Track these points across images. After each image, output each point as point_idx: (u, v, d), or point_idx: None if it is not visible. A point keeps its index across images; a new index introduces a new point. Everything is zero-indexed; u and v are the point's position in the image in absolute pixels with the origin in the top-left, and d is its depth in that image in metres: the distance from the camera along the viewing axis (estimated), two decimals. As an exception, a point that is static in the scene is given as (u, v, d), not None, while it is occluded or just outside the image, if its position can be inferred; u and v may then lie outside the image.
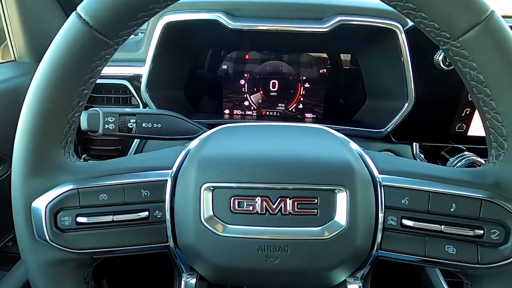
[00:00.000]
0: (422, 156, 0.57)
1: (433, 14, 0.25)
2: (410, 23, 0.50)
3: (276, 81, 0.66)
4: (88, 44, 0.26)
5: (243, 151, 0.30)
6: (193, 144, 0.34)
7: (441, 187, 0.28)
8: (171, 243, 0.30)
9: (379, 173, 0.30)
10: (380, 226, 0.28)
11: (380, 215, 0.29)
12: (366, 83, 0.64)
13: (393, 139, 0.56)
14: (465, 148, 0.56)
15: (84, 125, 0.40)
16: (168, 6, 0.27)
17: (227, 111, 0.69)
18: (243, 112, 0.69)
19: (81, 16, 0.25)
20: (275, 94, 0.67)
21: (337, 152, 0.30)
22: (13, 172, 0.28)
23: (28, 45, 0.62)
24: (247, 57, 0.65)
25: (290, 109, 0.68)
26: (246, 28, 0.51)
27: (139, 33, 0.71)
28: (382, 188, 0.29)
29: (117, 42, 0.27)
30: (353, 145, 0.34)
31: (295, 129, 0.37)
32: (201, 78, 0.68)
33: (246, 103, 0.69)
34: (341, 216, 0.28)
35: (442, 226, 0.27)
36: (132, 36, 0.75)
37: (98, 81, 0.64)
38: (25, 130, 0.27)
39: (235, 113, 0.70)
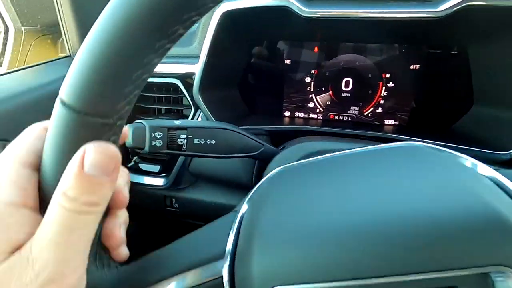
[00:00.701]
0: None
1: None
2: None
3: (350, 79, 0.54)
4: (82, 135, 0.17)
5: (325, 219, 0.20)
6: (244, 209, 0.24)
7: None
8: None
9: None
10: None
11: None
12: (475, 83, 0.48)
13: (520, 165, 0.41)
14: None
15: (128, 141, 0.34)
16: (164, 55, 0.17)
17: (287, 113, 0.60)
18: (307, 115, 0.59)
19: (64, 103, 0.17)
20: (348, 95, 0.55)
21: (476, 198, 0.19)
22: None
23: (80, 39, 0.58)
24: (316, 49, 0.54)
25: (365, 114, 0.56)
26: (327, 15, 0.39)
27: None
28: None
29: (120, 116, 0.18)
30: (485, 176, 0.21)
31: (394, 153, 0.25)
32: (259, 75, 0.59)
33: (311, 104, 0.58)
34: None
35: None
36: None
37: (150, 79, 0.59)
38: None
39: (297, 115, 0.59)
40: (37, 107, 0.48)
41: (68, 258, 0.17)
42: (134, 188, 0.62)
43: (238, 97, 0.59)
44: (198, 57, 0.50)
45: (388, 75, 0.52)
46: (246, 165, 0.52)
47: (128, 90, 0.17)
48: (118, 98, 0.17)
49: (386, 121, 0.55)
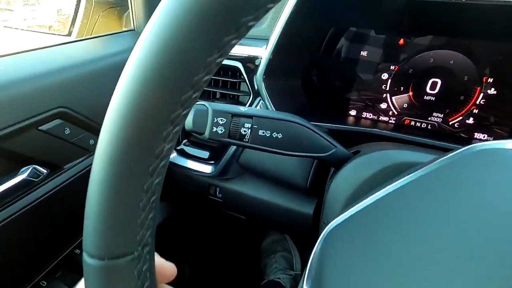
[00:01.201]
0: None
1: None
2: None
3: (438, 80, 0.46)
4: (111, 279, 0.16)
5: None
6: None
7: None
8: None
9: None
10: None
11: None
12: None
13: None
14: None
15: (189, 123, 0.30)
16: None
17: (353, 112, 0.53)
18: (376, 117, 0.52)
19: (89, 254, 0.15)
20: (432, 98, 0.47)
21: None
22: None
23: (146, 14, 0.57)
24: (401, 41, 0.46)
25: (450, 123, 0.47)
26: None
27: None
28: None
29: (144, 245, 0.16)
30: None
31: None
32: (328, 66, 0.53)
33: (384, 105, 0.50)
34: None
35: None
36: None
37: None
38: None
39: (364, 116, 0.52)
40: (101, 77, 0.47)
41: None
42: (180, 171, 0.60)
43: (299, 88, 0.54)
44: (265, 39, 0.45)
45: (490, 80, 0.43)
46: (303, 164, 0.47)
47: (142, 220, 0.15)
48: (134, 231, 0.15)
49: (477, 135, 0.46)
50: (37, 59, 0.41)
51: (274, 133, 0.31)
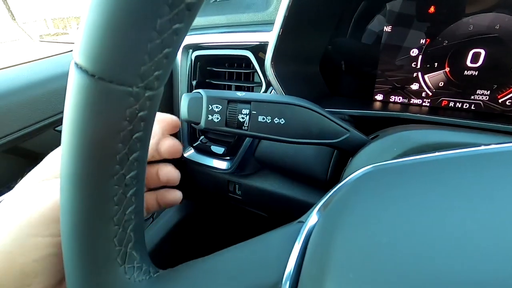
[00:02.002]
0: None
1: None
2: None
3: (481, 51, 0.39)
4: (97, 105, 0.13)
5: (433, 259, 0.13)
6: (313, 220, 0.18)
7: None
8: None
9: None
10: None
11: None
12: None
13: None
14: None
15: (184, 113, 0.29)
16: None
17: (379, 97, 0.47)
18: (406, 100, 0.45)
19: (76, 63, 0.13)
20: (475, 73, 0.40)
21: None
22: None
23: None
24: (432, 9, 0.40)
25: (500, 101, 0.40)
26: None
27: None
28: None
29: (148, 85, 0.13)
30: None
31: None
32: (347, 48, 0.48)
33: (415, 86, 0.44)
34: None
35: None
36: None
37: (221, 52, 0.55)
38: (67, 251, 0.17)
39: (392, 100, 0.47)
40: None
41: None
42: (198, 169, 0.60)
43: (318, 74, 0.50)
44: (274, 24, 0.42)
45: (551, 43, 0.35)
46: (322, 155, 0.43)
47: (154, 46, 0.12)
48: (139, 56, 0.12)
49: (536, 113, 0.38)
50: (51, 64, 0.43)
51: (276, 118, 0.28)
